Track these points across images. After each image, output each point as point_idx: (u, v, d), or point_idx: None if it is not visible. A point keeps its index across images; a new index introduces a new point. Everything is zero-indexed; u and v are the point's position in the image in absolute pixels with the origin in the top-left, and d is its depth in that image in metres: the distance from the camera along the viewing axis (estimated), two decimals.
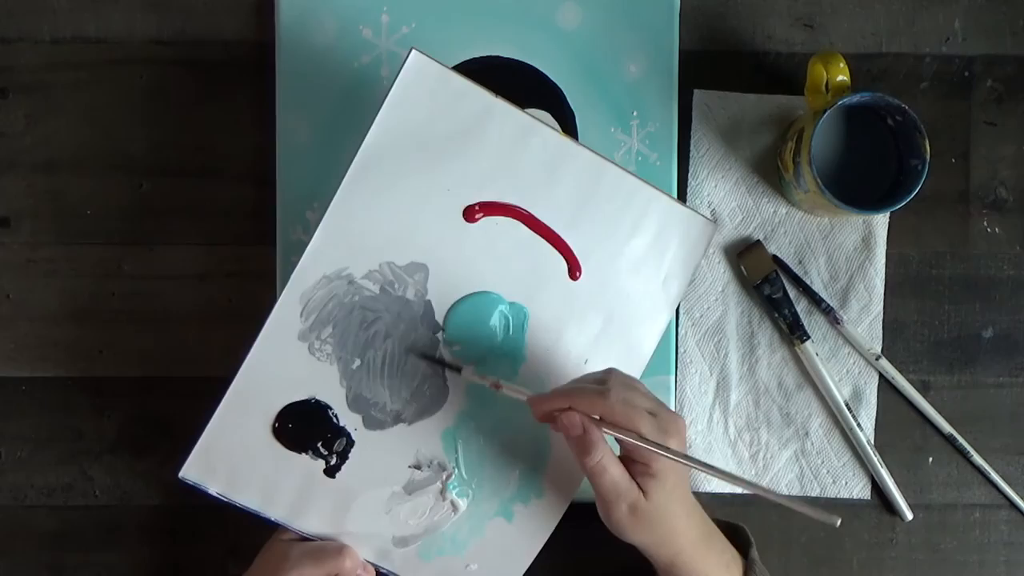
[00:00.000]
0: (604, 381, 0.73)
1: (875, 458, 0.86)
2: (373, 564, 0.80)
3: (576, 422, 0.71)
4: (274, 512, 0.79)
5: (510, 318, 0.80)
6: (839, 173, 0.83)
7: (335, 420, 0.79)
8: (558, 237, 0.79)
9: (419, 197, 0.77)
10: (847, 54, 0.82)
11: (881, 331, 0.87)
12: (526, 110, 0.85)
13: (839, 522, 0.68)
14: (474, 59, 0.85)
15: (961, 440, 0.87)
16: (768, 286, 0.86)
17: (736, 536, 0.79)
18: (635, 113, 0.86)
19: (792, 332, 0.86)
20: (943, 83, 0.87)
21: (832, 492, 0.87)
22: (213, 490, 0.78)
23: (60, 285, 0.86)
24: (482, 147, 0.77)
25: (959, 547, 0.87)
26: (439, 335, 0.79)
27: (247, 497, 0.79)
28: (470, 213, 0.78)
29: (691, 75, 0.86)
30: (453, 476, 0.80)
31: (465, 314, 0.79)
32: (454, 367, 0.79)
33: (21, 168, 0.86)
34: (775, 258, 0.87)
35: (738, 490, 0.86)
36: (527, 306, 0.80)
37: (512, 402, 0.76)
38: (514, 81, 0.85)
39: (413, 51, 0.76)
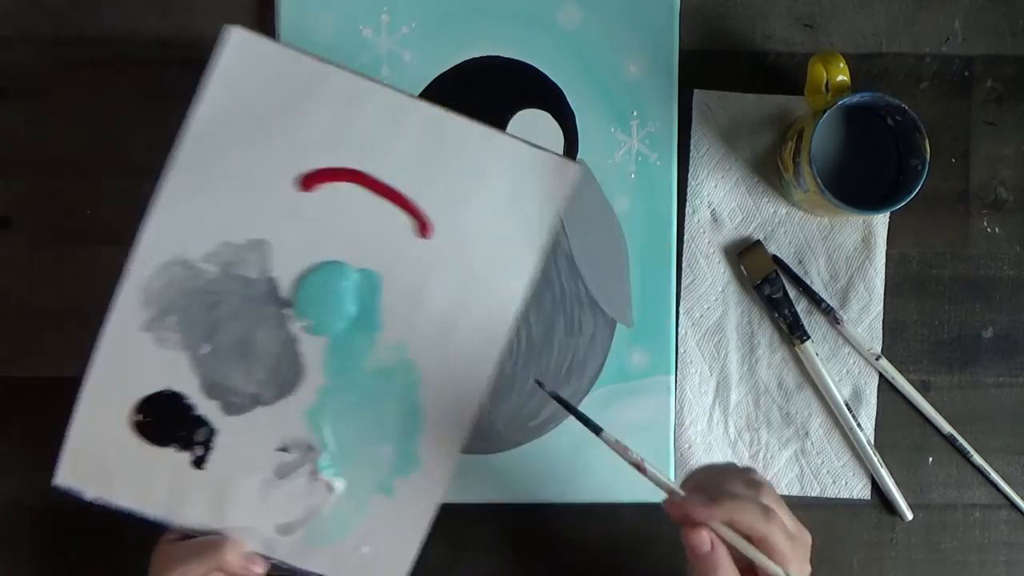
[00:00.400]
0: (759, 491, 0.69)
1: (875, 458, 0.86)
2: (263, 556, 0.78)
3: (705, 539, 0.67)
4: (152, 511, 0.77)
5: (361, 286, 0.77)
6: (839, 173, 0.83)
7: (193, 409, 0.77)
8: (401, 196, 0.76)
9: (252, 172, 0.76)
10: (847, 54, 0.82)
11: (881, 331, 0.87)
12: (526, 110, 0.85)
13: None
14: (474, 59, 0.85)
15: (961, 440, 0.87)
16: (768, 286, 0.86)
17: None
18: (635, 113, 0.86)
19: (792, 332, 0.86)
20: (943, 83, 0.87)
21: (832, 492, 0.87)
22: (89, 495, 0.77)
23: (60, 285, 0.86)
24: (314, 115, 0.76)
25: (959, 547, 0.87)
26: (287, 312, 0.77)
27: (123, 498, 0.77)
28: (307, 183, 0.76)
29: (691, 75, 0.86)
30: (323, 455, 0.77)
31: (312, 287, 0.76)
32: (594, 427, 0.72)
33: (21, 168, 0.86)
34: (775, 258, 0.87)
35: None
36: (378, 271, 0.76)
37: (376, 373, 0.76)
38: (514, 81, 0.85)
39: (229, 27, 0.75)
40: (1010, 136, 0.87)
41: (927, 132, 0.79)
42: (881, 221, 0.87)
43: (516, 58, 0.86)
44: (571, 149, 0.86)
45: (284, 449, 0.77)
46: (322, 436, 0.77)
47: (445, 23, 0.85)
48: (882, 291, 0.87)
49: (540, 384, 0.75)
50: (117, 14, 0.86)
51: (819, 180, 0.78)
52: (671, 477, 0.85)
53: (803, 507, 0.87)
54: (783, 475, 0.87)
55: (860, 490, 0.87)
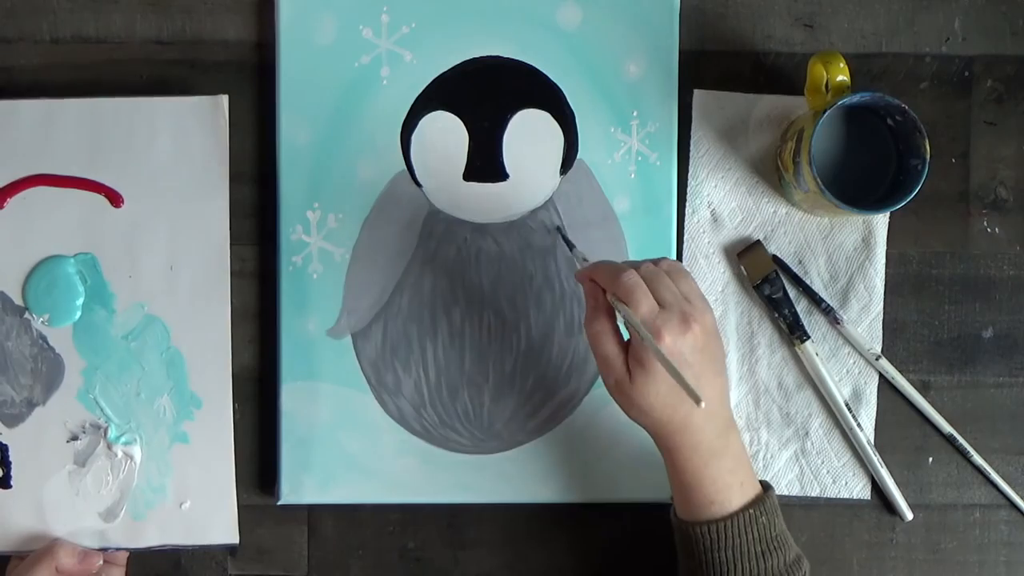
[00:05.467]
0: (645, 264, 0.74)
1: (875, 458, 0.86)
2: (98, 550, 0.83)
3: (590, 289, 0.74)
4: None
5: (83, 269, 0.83)
6: (839, 173, 0.83)
7: None
8: (83, 180, 0.83)
9: None
10: (847, 54, 0.82)
11: (881, 331, 0.87)
12: (526, 110, 0.85)
13: (702, 404, 0.66)
14: (474, 59, 0.85)
15: (961, 440, 0.87)
16: (768, 286, 0.86)
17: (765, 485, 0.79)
18: (635, 113, 0.86)
19: (792, 332, 0.86)
20: (943, 83, 0.87)
21: (832, 492, 0.87)
22: None
23: None
24: None
25: (959, 547, 0.87)
26: (27, 316, 0.83)
27: None
28: None
29: (691, 75, 0.86)
30: (110, 429, 0.83)
31: (39, 285, 0.83)
32: (569, 243, 0.84)
33: None
34: (775, 258, 0.87)
35: None
36: (92, 251, 0.83)
37: (127, 337, 0.83)
38: (514, 81, 0.85)
39: None
40: (1010, 136, 0.87)
41: (927, 132, 0.79)
42: (881, 221, 0.87)
43: (516, 58, 0.86)
44: (571, 149, 0.86)
45: (74, 438, 0.83)
46: (102, 411, 0.83)
47: (445, 23, 0.85)
48: (882, 291, 0.87)
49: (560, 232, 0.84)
50: (116, 14, 0.86)
51: (819, 180, 0.78)
52: None
53: (803, 507, 0.87)
54: (783, 475, 0.87)
55: (860, 490, 0.87)
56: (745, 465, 0.76)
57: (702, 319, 0.72)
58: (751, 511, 0.75)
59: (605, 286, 0.73)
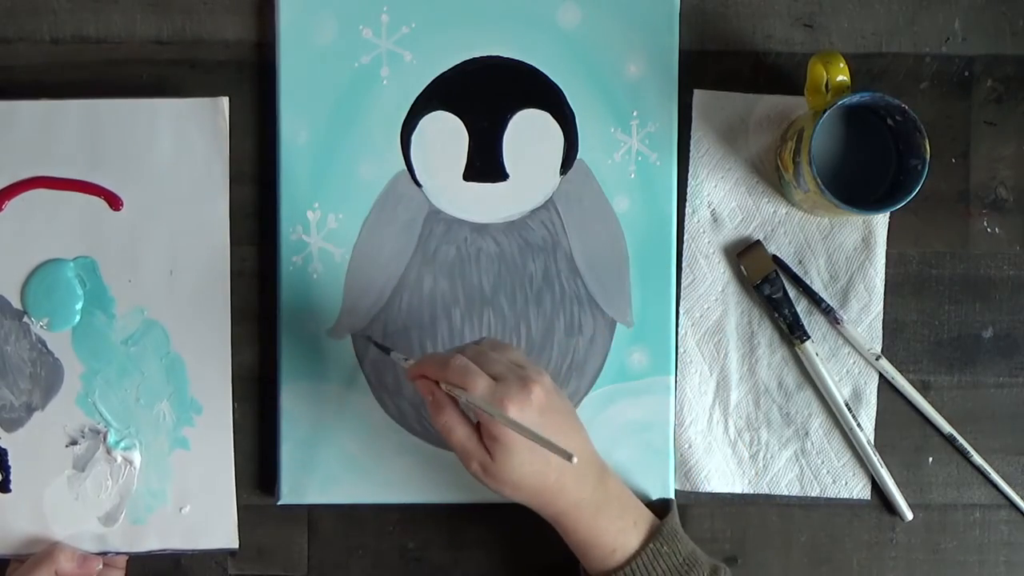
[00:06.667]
0: (466, 347, 0.74)
1: (875, 458, 0.86)
2: (98, 554, 0.82)
3: (424, 387, 0.73)
4: None
5: (82, 272, 0.83)
6: (839, 173, 0.83)
7: None
8: (82, 183, 0.83)
9: None
10: (847, 54, 0.82)
11: (881, 331, 0.87)
12: (526, 110, 0.85)
13: (575, 459, 0.65)
14: (474, 59, 0.85)
15: (961, 440, 0.87)
16: (768, 286, 0.86)
17: (664, 507, 0.80)
18: (635, 113, 0.86)
19: (792, 332, 0.86)
20: (943, 83, 0.87)
21: (832, 492, 0.87)
22: None
23: None
24: None
25: (959, 547, 0.87)
26: (26, 320, 0.83)
27: None
28: None
29: (691, 75, 0.86)
30: (109, 434, 0.83)
31: (37, 289, 0.83)
32: (384, 348, 0.81)
33: None
34: (775, 258, 0.87)
35: (737, 490, 0.86)
36: (91, 255, 0.83)
37: (126, 342, 0.83)
38: (514, 81, 0.85)
39: None
40: (1010, 136, 0.87)
41: (927, 132, 0.79)
42: (881, 221, 0.87)
43: (516, 58, 0.86)
44: (571, 149, 0.86)
45: (73, 442, 0.83)
46: (101, 416, 0.83)
47: (445, 23, 0.85)
48: (882, 291, 0.87)
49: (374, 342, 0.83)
50: (116, 14, 0.86)
51: (819, 180, 0.78)
52: (670, 477, 0.85)
53: (803, 507, 0.87)
54: (783, 475, 0.87)
55: (860, 490, 0.87)
56: (632, 503, 0.77)
57: (540, 379, 0.72)
58: (652, 546, 0.76)
59: (436, 377, 0.73)
